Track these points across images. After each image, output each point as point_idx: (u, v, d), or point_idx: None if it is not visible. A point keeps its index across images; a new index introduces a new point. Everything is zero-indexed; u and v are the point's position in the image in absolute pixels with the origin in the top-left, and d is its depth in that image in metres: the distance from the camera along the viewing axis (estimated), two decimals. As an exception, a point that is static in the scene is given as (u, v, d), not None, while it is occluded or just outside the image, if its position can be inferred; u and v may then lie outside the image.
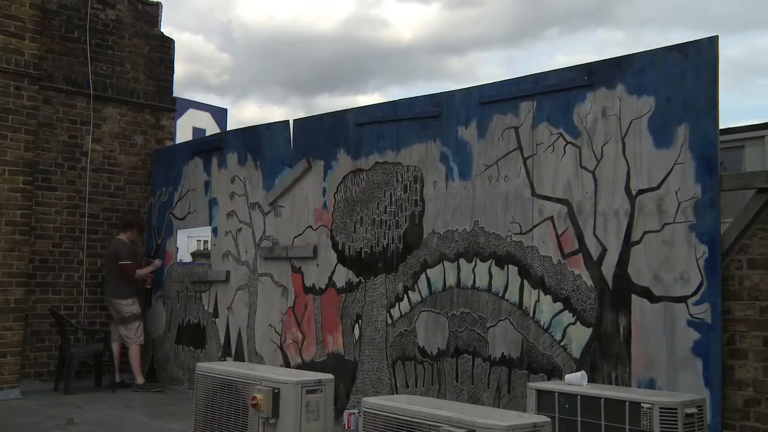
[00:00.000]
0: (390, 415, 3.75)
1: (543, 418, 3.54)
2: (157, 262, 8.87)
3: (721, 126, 4.82)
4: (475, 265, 5.86)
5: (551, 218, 5.45)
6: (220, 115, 14.13)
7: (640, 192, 5.00)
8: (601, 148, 5.22)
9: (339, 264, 6.88)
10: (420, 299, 6.21)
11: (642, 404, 3.97)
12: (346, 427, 6.29)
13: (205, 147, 8.60)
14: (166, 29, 9.62)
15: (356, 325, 6.68)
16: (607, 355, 5.08)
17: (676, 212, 4.81)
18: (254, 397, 4.37)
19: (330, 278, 6.94)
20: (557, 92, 5.49)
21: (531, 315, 5.49)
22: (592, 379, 4.88)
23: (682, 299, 4.75)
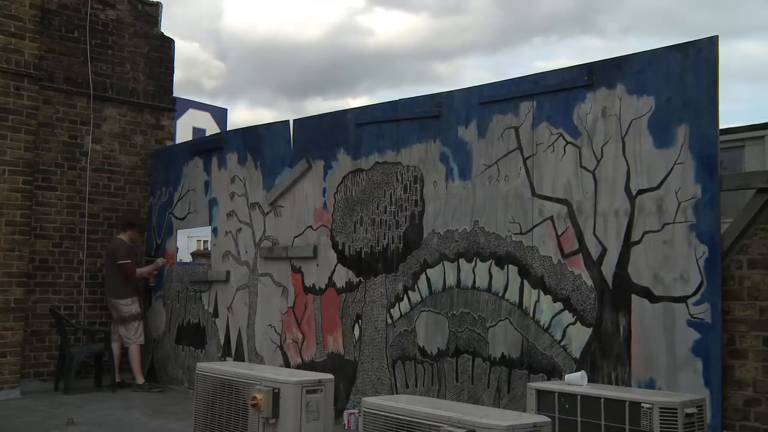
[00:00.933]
0: (390, 415, 3.75)
1: (543, 418, 3.54)
2: (160, 261, 8.87)
3: (721, 126, 4.83)
4: (475, 265, 5.85)
5: (551, 218, 5.45)
6: (220, 115, 14.07)
7: (640, 192, 5.00)
8: (601, 148, 5.22)
9: (339, 264, 6.88)
10: (420, 299, 6.21)
11: (642, 404, 3.97)
12: (346, 427, 6.29)
13: (205, 147, 8.60)
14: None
15: (356, 325, 6.68)
16: (607, 355, 5.08)
17: (676, 212, 4.81)
18: (254, 397, 4.37)
19: (330, 278, 6.94)
20: (557, 92, 5.49)
21: (531, 315, 5.49)
22: (592, 379, 4.87)
23: (682, 299, 4.75)
